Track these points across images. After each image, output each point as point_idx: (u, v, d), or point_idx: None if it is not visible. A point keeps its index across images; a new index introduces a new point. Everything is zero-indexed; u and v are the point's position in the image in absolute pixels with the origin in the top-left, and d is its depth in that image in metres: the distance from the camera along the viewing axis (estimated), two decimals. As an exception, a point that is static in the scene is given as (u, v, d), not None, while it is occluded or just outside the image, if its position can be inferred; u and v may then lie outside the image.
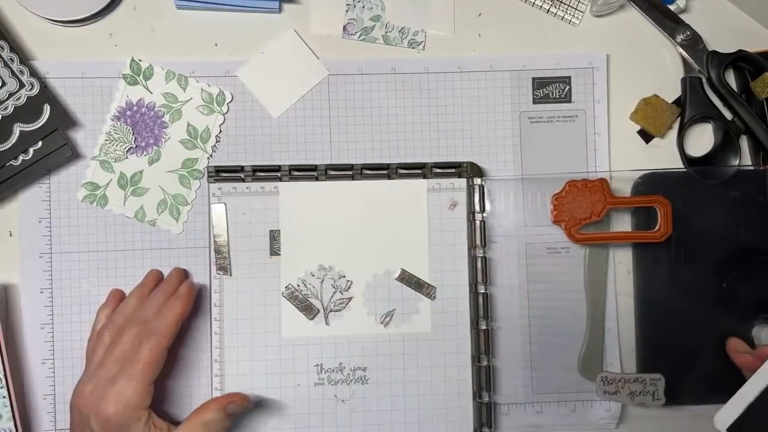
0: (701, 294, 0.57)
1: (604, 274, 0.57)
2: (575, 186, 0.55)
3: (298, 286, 0.55)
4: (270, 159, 0.56)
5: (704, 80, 0.58)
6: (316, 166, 0.55)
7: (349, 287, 0.55)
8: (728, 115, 0.59)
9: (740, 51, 0.57)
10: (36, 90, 0.52)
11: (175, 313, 0.49)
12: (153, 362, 0.48)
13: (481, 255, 0.55)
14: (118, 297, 0.54)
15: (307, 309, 0.55)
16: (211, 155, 0.56)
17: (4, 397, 0.51)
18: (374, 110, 0.57)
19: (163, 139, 0.55)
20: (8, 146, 0.52)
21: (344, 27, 0.57)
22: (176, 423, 0.49)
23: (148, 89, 0.55)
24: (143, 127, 0.55)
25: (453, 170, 0.56)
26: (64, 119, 0.53)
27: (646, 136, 0.59)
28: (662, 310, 0.57)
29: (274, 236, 0.55)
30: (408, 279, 0.56)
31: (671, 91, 0.59)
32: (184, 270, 0.54)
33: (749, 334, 0.57)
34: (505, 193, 0.57)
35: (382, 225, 0.56)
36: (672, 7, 0.59)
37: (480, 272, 0.55)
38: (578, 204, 0.55)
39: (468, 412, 0.55)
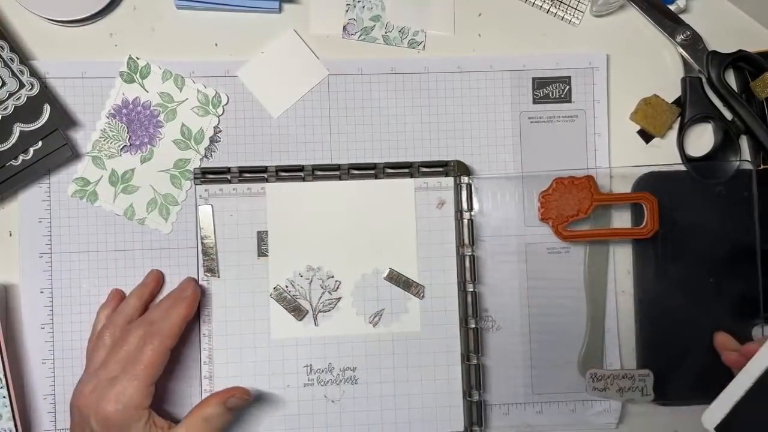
0: (701, 293, 0.57)
1: (603, 273, 0.57)
2: (562, 183, 0.55)
3: (287, 287, 0.55)
4: (270, 159, 0.56)
5: (704, 80, 0.58)
6: (303, 166, 0.55)
7: (337, 287, 0.55)
8: (728, 115, 0.59)
9: (740, 51, 0.57)
10: (36, 90, 0.52)
11: (180, 315, 0.49)
12: (155, 363, 0.48)
13: (470, 253, 0.55)
14: (118, 297, 0.54)
15: (296, 310, 0.55)
16: (203, 156, 0.56)
17: (4, 397, 0.51)
18: (374, 110, 0.57)
19: (157, 139, 0.55)
20: (8, 146, 0.52)
21: (344, 27, 0.57)
22: (177, 422, 0.49)
23: (144, 88, 0.55)
24: (138, 125, 0.55)
25: (440, 169, 0.56)
26: (64, 119, 0.53)
27: (646, 136, 0.59)
28: (662, 309, 0.57)
29: (262, 237, 0.55)
30: (397, 278, 0.56)
31: (671, 91, 0.59)
32: (194, 278, 0.54)
33: (750, 333, 0.57)
34: (492, 191, 0.57)
35: (370, 225, 0.56)
36: (672, 7, 0.59)
37: (468, 271, 0.55)
38: (565, 201, 0.55)
39: (458, 411, 0.55)
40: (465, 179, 0.56)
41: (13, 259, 0.54)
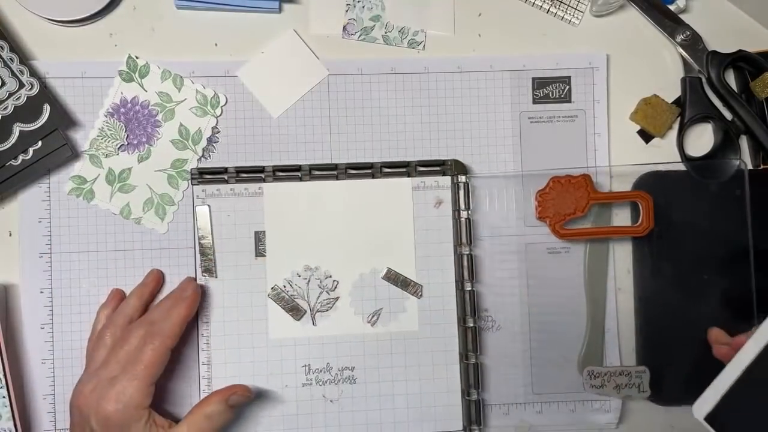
0: (701, 292, 0.57)
1: (604, 273, 0.57)
2: (559, 182, 0.55)
3: (285, 287, 0.55)
4: (270, 159, 0.56)
5: (704, 80, 0.58)
6: (300, 166, 0.55)
7: (335, 287, 0.55)
8: (728, 115, 0.59)
9: (740, 51, 0.57)
10: (36, 90, 0.52)
11: (180, 315, 0.49)
12: (155, 363, 0.48)
13: (467, 252, 0.55)
14: (118, 297, 0.54)
15: (294, 310, 0.55)
16: (201, 157, 0.56)
17: (3, 397, 0.51)
18: (374, 110, 0.57)
19: (155, 138, 0.55)
20: (8, 146, 0.52)
21: (344, 27, 0.57)
22: (177, 422, 0.49)
23: (142, 87, 0.55)
24: (136, 124, 0.55)
25: (437, 168, 0.56)
26: (64, 119, 0.53)
27: (646, 136, 0.59)
28: (663, 309, 0.57)
29: (260, 237, 0.55)
30: (394, 278, 0.56)
31: (671, 91, 0.59)
32: (194, 278, 0.54)
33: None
34: (490, 190, 0.57)
35: (368, 224, 0.56)
36: (672, 7, 0.59)
37: (466, 269, 0.55)
38: (562, 200, 0.55)
39: (457, 411, 0.55)
40: (462, 178, 0.56)
41: (13, 259, 0.54)
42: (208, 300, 0.54)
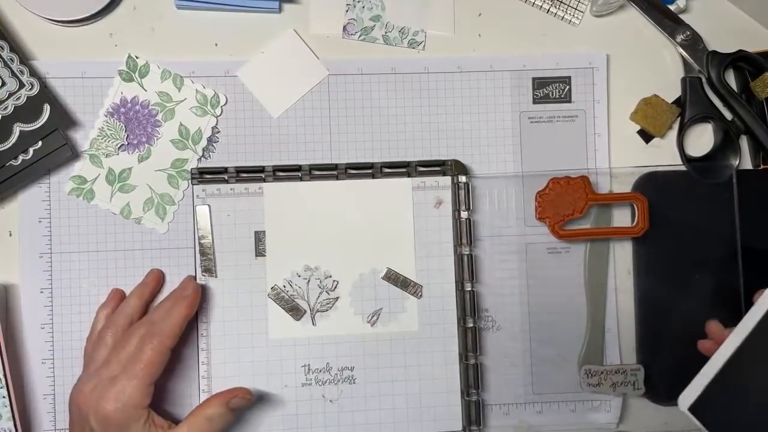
0: (701, 292, 0.57)
1: (604, 273, 0.57)
2: (558, 183, 0.56)
3: (284, 286, 0.55)
4: (270, 159, 0.56)
5: (704, 80, 0.58)
6: (300, 166, 0.55)
7: (335, 287, 0.55)
8: (728, 115, 0.59)
9: (740, 51, 0.57)
10: (36, 90, 0.52)
11: (180, 314, 0.49)
12: (155, 362, 0.48)
13: (467, 253, 0.55)
14: (118, 297, 0.54)
15: (294, 310, 0.55)
16: (201, 156, 0.56)
17: (4, 397, 0.51)
18: (374, 110, 0.57)
19: (155, 138, 0.55)
20: (8, 146, 0.52)
21: (344, 27, 0.57)
22: (176, 422, 0.49)
23: (142, 87, 0.55)
24: (136, 124, 0.55)
25: (438, 168, 0.56)
26: (64, 119, 0.53)
27: (646, 136, 0.59)
28: (663, 309, 0.57)
29: (260, 237, 0.55)
30: (394, 278, 0.56)
31: (671, 91, 0.59)
32: (194, 277, 0.54)
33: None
34: (490, 190, 0.57)
35: (368, 224, 0.56)
36: (672, 7, 0.59)
37: (466, 270, 0.55)
38: (561, 201, 0.56)
39: (456, 411, 0.55)
40: (462, 178, 0.56)
41: (13, 259, 0.54)
42: (208, 300, 0.54)
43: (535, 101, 0.58)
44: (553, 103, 0.58)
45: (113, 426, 0.46)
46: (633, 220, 0.57)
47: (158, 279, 0.54)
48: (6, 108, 0.52)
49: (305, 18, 0.57)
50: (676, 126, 0.59)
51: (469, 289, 0.55)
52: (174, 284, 0.54)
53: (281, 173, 0.55)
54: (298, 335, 0.55)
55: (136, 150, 0.55)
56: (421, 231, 0.56)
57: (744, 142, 0.59)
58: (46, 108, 0.52)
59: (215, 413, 0.48)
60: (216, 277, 0.55)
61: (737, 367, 0.44)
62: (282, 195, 0.55)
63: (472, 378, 0.55)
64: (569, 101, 0.58)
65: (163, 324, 0.49)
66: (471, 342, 0.55)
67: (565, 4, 0.59)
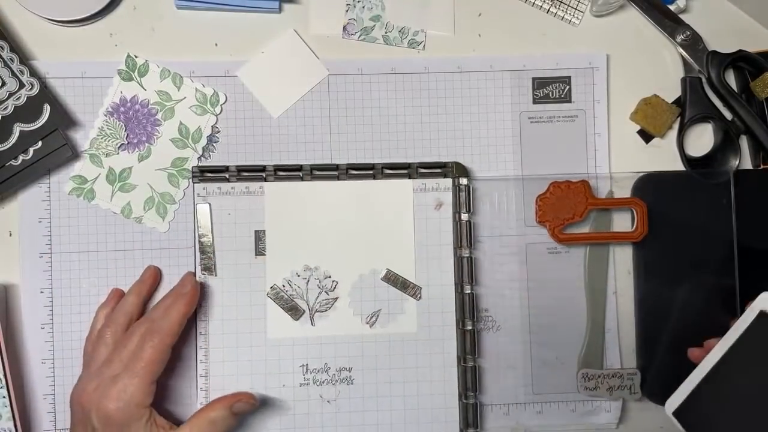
0: (701, 294, 0.57)
1: (604, 274, 0.57)
2: (558, 187, 0.56)
3: (284, 286, 0.55)
4: (270, 159, 0.56)
5: (704, 80, 0.58)
6: (301, 166, 0.55)
7: (334, 287, 0.55)
8: (728, 115, 0.59)
9: (740, 51, 0.57)
10: (36, 90, 0.52)
11: (180, 312, 0.50)
12: (155, 360, 0.48)
13: (467, 255, 0.55)
14: (118, 296, 0.54)
15: (293, 309, 0.55)
16: (201, 155, 0.56)
17: (4, 397, 0.51)
18: (374, 110, 0.57)
19: (155, 137, 0.55)
20: (8, 146, 0.52)
21: (344, 27, 0.57)
22: (178, 423, 0.49)
23: (142, 86, 0.55)
24: (136, 123, 0.55)
25: (438, 170, 0.56)
26: (64, 119, 0.53)
27: (646, 136, 0.59)
28: (663, 310, 0.57)
29: (260, 236, 0.55)
30: (394, 279, 0.56)
31: (671, 91, 0.59)
32: (193, 274, 0.54)
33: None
34: (491, 192, 0.57)
35: (368, 225, 0.56)
36: (672, 7, 0.59)
37: (466, 272, 0.55)
38: (561, 205, 0.56)
39: (454, 413, 0.55)
40: (463, 181, 0.56)
41: (13, 259, 0.54)
42: (207, 298, 0.54)
43: (535, 101, 0.58)
44: (553, 103, 0.58)
45: (115, 425, 0.46)
46: (633, 224, 0.57)
47: (155, 276, 0.54)
48: (6, 108, 0.52)
49: (305, 18, 0.57)
50: (676, 126, 0.59)
51: (469, 291, 0.55)
52: (174, 284, 0.53)
53: (282, 173, 0.55)
54: (297, 335, 0.55)
55: (136, 149, 0.55)
56: (421, 232, 0.56)
57: (744, 142, 0.59)
58: (46, 108, 0.52)
59: (218, 416, 0.48)
60: (215, 275, 0.55)
61: (721, 375, 0.46)
62: (283, 194, 0.55)
63: (470, 380, 0.55)
64: (569, 101, 0.58)
65: (163, 322, 0.49)
66: (469, 344, 0.55)
67: (565, 4, 0.59)
